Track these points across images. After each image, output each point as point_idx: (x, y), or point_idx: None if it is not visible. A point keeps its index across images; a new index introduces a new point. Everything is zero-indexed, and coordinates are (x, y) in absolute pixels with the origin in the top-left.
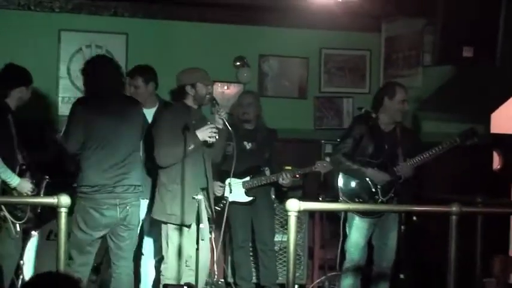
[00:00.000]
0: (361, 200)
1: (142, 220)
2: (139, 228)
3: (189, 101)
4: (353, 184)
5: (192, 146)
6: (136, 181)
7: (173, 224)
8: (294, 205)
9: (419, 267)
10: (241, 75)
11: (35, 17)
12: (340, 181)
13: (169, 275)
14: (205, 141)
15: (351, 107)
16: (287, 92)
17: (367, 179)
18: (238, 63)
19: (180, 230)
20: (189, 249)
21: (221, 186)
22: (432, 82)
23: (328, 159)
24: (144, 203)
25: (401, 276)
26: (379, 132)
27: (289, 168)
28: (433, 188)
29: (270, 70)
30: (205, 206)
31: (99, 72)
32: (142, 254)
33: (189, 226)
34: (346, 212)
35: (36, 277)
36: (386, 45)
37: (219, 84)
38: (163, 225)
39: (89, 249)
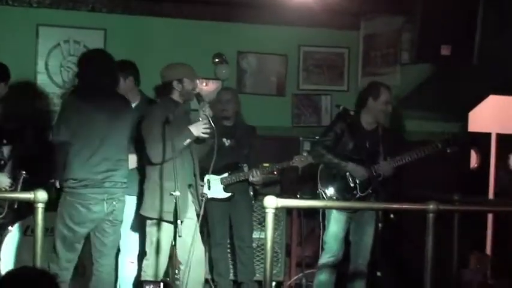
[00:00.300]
0: (339, 194)
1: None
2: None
3: (175, 96)
4: (332, 178)
5: (187, 141)
6: (123, 178)
7: (166, 221)
8: (271, 202)
9: (397, 265)
10: (220, 71)
11: (13, 11)
12: (320, 174)
13: (150, 272)
14: (197, 137)
15: (329, 104)
16: (266, 89)
17: (347, 173)
18: (216, 60)
19: (166, 227)
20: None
21: (201, 185)
22: (410, 80)
23: (305, 153)
24: (131, 199)
25: (378, 273)
26: (360, 131)
27: (267, 165)
28: (410, 186)
29: (249, 67)
30: (193, 202)
31: (95, 65)
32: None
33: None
34: None
35: (12, 272)
36: (365, 43)
37: (198, 81)
38: (149, 222)
39: (76, 245)
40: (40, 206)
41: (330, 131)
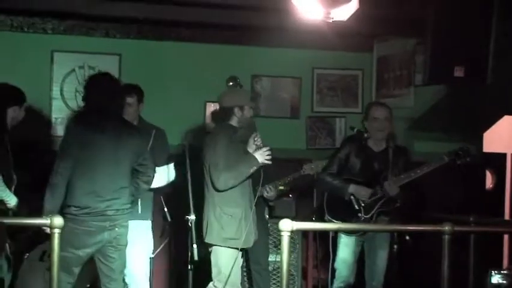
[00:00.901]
0: (345, 219)
1: None
2: None
3: (234, 122)
4: (337, 203)
5: (253, 169)
6: (125, 204)
7: (231, 248)
8: (287, 225)
9: (414, 286)
10: None
11: (28, 38)
12: (326, 202)
13: None
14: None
15: (343, 126)
16: (280, 112)
17: (352, 197)
18: (231, 84)
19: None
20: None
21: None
22: (424, 102)
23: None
24: (137, 223)
25: None
26: (367, 152)
27: (282, 187)
28: (426, 208)
29: (263, 90)
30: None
31: (100, 88)
32: None
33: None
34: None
35: None
36: (378, 64)
37: (212, 105)
38: (216, 249)
39: (74, 269)
40: (56, 232)
41: (334, 157)
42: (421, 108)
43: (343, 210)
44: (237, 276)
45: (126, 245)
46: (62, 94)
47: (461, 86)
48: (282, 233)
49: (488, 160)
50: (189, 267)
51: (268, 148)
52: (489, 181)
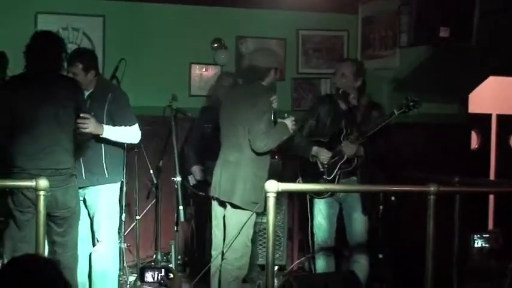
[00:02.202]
0: (313, 180)
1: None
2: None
3: (266, 83)
4: (308, 164)
5: (286, 136)
6: (63, 164)
7: (257, 212)
8: (272, 186)
9: (398, 247)
10: (219, 57)
11: (11, 0)
12: (300, 163)
13: (240, 263)
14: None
15: (329, 87)
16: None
17: (316, 159)
18: (215, 45)
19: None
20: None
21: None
22: (410, 63)
23: None
24: (107, 188)
25: (380, 256)
26: (338, 110)
27: None
28: (412, 168)
29: (248, 51)
30: None
31: (33, 49)
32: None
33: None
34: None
35: (15, 259)
36: (364, 26)
37: (197, 66)
38: (240, 212)
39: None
40: (42, 194)
41: (305, 121)
42: (407, 69)
43: (312, 172)
44: (249, 241)
45: (73, 209)
46: None
47: (446, 47)
48: (268, 194)
49: (474, 121)
50: (175, 229)
51: (294, 118)
52: (474, 142)
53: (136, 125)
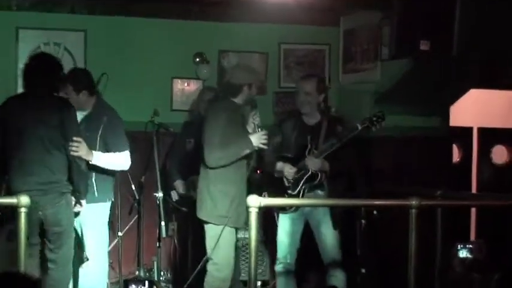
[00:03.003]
0: (278, 195)
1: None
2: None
3: (239, 99)
4: (273, 182)
5: (246, 151)
6: (49, 184)
7: (222, 225)
8: (254, 201)
9: (381, 261)
10: (201, 71)
11: None
12: (268, 179)
13: (222, 275)
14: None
15: None
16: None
17: (283, 175)
18: (197, 60)
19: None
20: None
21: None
22: (391, 76)
23: None
24: (96, 207)
25: (363, 270)
26: (302, 126)
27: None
28: (393, 182)
29: (230, 66)
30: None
31: (26, 71)
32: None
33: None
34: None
35: None
36: (345, 39)
37: (179, 81)
38: (211, 226)
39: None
40: (23, 211)
41: (272, 136)
42: (388, 82)
43: (277, 187)
44: (230, 254)
45: (65, 226)
46: None
47: (427, 60)
48: (250, 209)
49: (455, 134)
50: (157, 245)
51: (265, 132)
52: (456, 155)
53: (127, 152)
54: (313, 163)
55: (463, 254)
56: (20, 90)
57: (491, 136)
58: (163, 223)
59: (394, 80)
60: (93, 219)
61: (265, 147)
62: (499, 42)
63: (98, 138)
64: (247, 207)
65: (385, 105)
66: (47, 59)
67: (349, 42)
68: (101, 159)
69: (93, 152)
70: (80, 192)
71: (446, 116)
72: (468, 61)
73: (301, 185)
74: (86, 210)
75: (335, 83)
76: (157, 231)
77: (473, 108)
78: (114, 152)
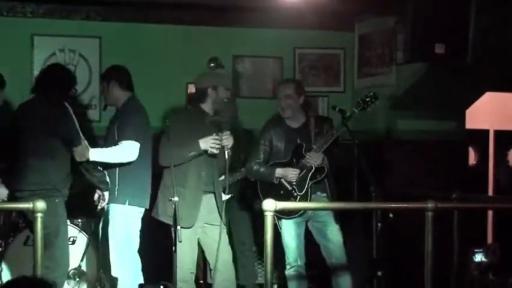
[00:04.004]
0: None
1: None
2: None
3: (207, 106)
4: (270, 188)
5: (192, 153)
6: (37, 185)
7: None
8: (270, 205)
9: (398, 264)
10: None
11: (7, 22)
12: (260, 188)
13: (179, 276)
14: (206, 151)
15: (326, 106)
16: (262, 92)
17: (282, 180)
18: (212, 65)
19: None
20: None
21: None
22: (406, 80)
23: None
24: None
25: (379, 273)
26: (288, 131)
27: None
28: (409, 185)
29: (244, 70)
30: (218, 210)
31: (37, 80)
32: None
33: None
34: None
35: (12, 281)
36: (360, 43)
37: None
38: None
39: None
40: (39, 216)
41: (258, 146)
42: (403, 86)
43: (277, 194)
44: (186, 254)
45: (50, 227)
46: None
47: (442, 63)
48: (265, 213)
49: (471, 137)
50: (173, 249)
51: (214, 137)
52: (472, 158)
53: (132, 142)
54: (315, 157)
55: (479, 258)
56: None
57: (507, 139)
58: (179, 227)
59: (409, 84)
60: (110, 221)
61: (215, 151)
62: None
63: (115, 129)
64: (263, 211)
65: (401, 109)
66: (60, 69)
67: (363, 47)
68: (97, 154)
69: (90, 149)
70: (99, 188)
71: (461, 119)
72: (484, 66)
73: (307, 183)
74: (108, 210)
75: (350, 87)
76: (173, 235)
77: (489, 111)
78: (120, 141)
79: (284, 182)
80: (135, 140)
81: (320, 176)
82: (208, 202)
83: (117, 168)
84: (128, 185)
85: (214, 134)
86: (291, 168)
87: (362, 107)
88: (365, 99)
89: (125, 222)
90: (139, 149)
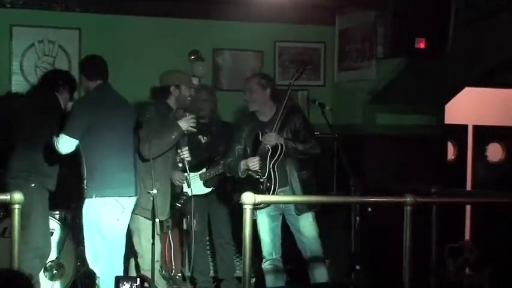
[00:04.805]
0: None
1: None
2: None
3: (171, 101)
4: (244, 182)
5: (175, 134)
6: (14, 172)
7: (146, 218)
8: (249, 198)
9: (376, 258)
10: (196, 69)
11: None
12: (234, 182)
13: (146, 267)
14: (186, 131)
15: (305, 99)
16: (242, 86)
17: (249, 172)
18: (192, 57)
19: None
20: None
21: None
22: (386, 74)
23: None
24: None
25: (357, 267)
26: (258, 125)
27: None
28: (388, 179)
29: (224, 64)
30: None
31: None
32: None
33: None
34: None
35: None
36: (340, 37)
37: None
38: (136, 219)
39: None
40: (17, 207)
41: (232, 144)
42: (383, 81)
43: (250, 185)
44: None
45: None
46: (21, 69)
47: (422, 58)
48: (244, 206)
49: (450, 132)
50: (152, 242)
51: (192, 116)
52: (451, 153)
53: (62, 135)
54: (268, 137)
55: (455, 254)
56: (14, 87)
57: (486, 134)
58: (157, 220)
59: (389, 79)
60: (83, 214)
61: (194, 130)
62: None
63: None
64: (242, 204)
65: (380, 103)
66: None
67: (344, 41)
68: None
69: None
70: None
71: (441, 114)
72: (463, 61)
73: (267, 165)
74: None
75: (330, 81)
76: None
77: (468, 106)
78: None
79: (252, 173)
80: (66, 133)
81: (278, 155)
82: None
83: (84, 163)
84: (94, 178)
85: (188, 113)
86: (250, 158)
87: (295, 77)
88: (298, 70)
89: (94, 216)
90: (100, 137)
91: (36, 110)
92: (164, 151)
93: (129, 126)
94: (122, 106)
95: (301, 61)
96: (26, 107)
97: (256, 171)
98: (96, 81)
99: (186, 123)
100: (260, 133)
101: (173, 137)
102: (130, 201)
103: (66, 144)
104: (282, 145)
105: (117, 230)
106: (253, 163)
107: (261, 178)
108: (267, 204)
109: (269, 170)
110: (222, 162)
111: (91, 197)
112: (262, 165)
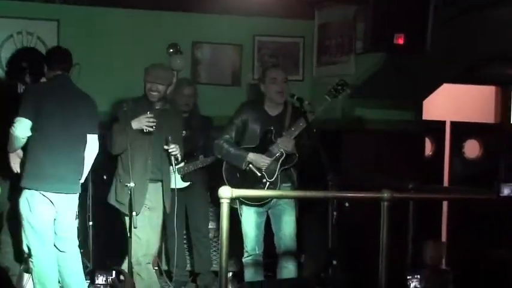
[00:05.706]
0: (249, 188)
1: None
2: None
3: (149, 96)
4: (236, 173)
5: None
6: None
7: (123, 212)
8: (226, 192)
9: (352, 253)
10: (175, 62)
11: None
12: (225, 173)
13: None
14: (142, 130)
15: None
16: (220, 79)
17: (251, 166)
18: (171, 50)
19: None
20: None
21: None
22: (365, 69)
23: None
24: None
25: (334, 262)
26: (265, 117)
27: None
28: (365, 174)
29: (203, 57)
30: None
31: None
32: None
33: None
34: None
35: None
36: (320, 32)
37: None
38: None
39: None
40: None
41: (231, 124)
42: (362, 76)
43: (245, 180)
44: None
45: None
46: None
47: (401, 54)
48: (222, 200)
49: (428, 128)
50: (129, 235)
51: (148, 115)
52: (428, 148)
53: (17, 118)
54: (286, 142)
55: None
56: None
57: (463, 130)
58: (134, 213)
59: (367, 74)
60: None
61: (151, 129)
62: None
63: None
64: (219, 198)
65: (359, 98)
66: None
67: (323, 35)
68: None
69: None
70: None
71: (419, 110)
72: (441, 57)
73: (277, 171)
74: None
75: (309, 75)
76: (128, 221)
77: (446, 103)
78: None
79: (253, 168)
80: (19, 115)
81: (290, 163)
82: (155, 191)
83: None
84: (25, 167)
85: (148, 112)
86: (263, 155)
87: (334, 95)
88: (337, 89)
89: (22, 206)
90: (39, 127)
91: None
92: (124, 148)
93: (81, 121)
94: (78, 100)
95: (343, 80)
96: None
97: (260, 170)
98: (55, 72)
99: (137, 123)
100: (273, 131)
101: (125, 135)
102: (60, 198)
103: (21, 125)
104: (296, 156)
105: (45, 222)
106: (264, 162)
107: (264, 179)
108: (258, 201)
109: (277, 176)
110: (202, 155)
111: (22, 186)
112: (271, 168)
